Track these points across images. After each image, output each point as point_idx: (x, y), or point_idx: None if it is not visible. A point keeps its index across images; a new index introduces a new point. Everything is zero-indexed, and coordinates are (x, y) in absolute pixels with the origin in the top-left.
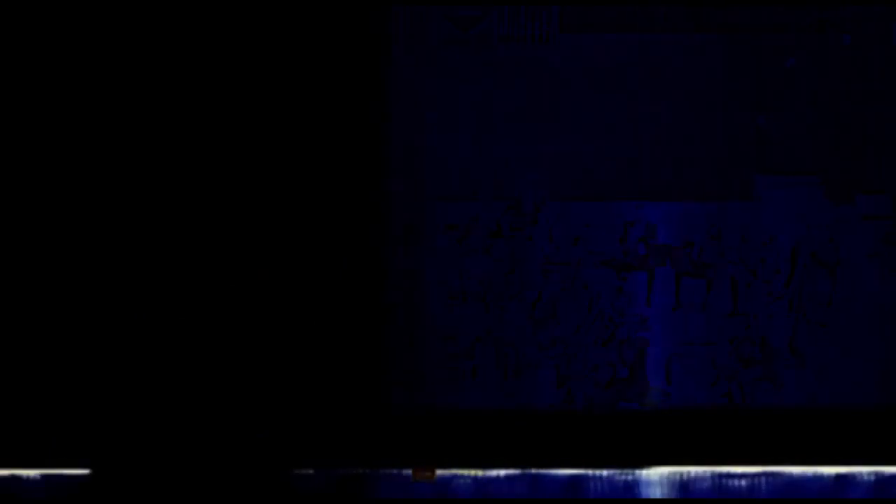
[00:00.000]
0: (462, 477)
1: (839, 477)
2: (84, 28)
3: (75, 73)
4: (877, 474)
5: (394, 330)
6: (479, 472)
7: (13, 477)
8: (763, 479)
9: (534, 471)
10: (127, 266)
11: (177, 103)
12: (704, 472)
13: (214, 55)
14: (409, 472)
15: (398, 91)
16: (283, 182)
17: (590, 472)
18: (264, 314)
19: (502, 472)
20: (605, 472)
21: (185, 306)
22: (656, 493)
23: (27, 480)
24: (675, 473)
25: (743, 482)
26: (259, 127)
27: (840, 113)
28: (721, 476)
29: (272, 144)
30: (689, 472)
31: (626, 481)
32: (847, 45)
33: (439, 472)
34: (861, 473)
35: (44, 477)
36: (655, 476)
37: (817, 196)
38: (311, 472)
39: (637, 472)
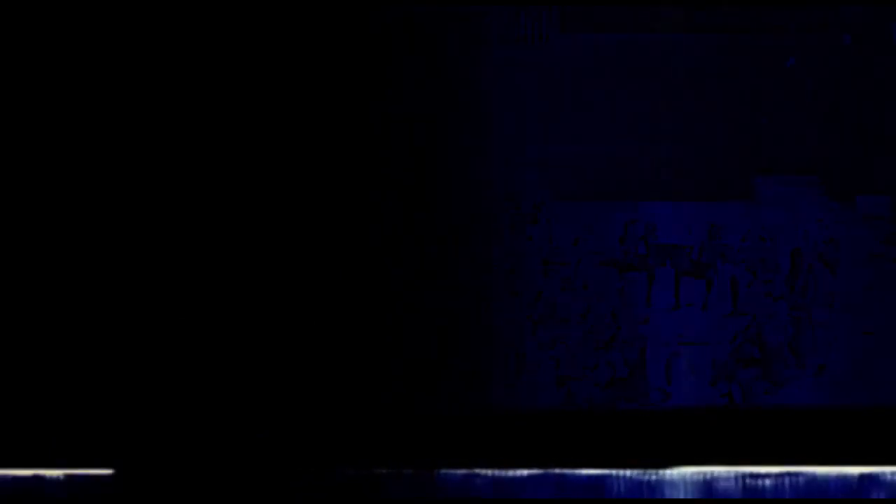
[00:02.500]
0: (462, 475)
1: (839, 476)
2: (86, 29)
3: (78, 74)
4: (876, 474)
5: (393, 331)
6: (479, 471)
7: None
8: (763, 480)
9: (534, 470)
10: (152, 275)
11: (181, 106)
12: (705, 471)
13: (221, 60)
14: (409, 471)
15: (398, 92)
16: (288, 186)
17: (591, 471)
18: (277, 324)
19: (501, 472)
20: (605, 472)
21: (207, 311)
22: (656, 492)
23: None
24: (675, 473)
25: (744, 482)
26: (260, 130)
27: (840, 113)
28: (721, 476)
29: (274, 147)
30: (689, 472)
31: (626, 480)
32: (847, 45)
33: (440, 471)
34: (861, 473)
35: (35, 476)
36: (655, 476)
37: (817, 196)
38: (314, 473)
39: (637, 471)
